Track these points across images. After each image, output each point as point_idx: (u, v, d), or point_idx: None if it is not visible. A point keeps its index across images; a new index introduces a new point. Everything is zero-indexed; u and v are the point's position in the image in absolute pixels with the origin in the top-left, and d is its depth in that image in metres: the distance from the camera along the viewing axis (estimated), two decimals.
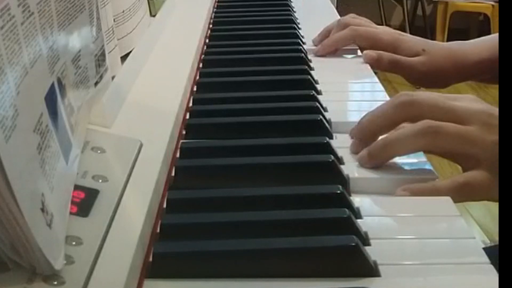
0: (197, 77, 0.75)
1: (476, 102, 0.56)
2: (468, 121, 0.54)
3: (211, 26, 0.98)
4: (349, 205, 0.47)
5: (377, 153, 0.54)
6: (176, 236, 0.44)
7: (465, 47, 0.85)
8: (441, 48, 0.85)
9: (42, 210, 0.35)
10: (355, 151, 0.57)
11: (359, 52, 0.86)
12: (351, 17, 0.89)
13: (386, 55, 0.82)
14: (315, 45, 0.88)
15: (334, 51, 0.86)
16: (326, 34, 0.89)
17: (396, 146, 0.54)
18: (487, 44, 0.84)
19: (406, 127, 0.54)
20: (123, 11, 0.72)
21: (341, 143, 0.58)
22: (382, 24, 0.99)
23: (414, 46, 0.84)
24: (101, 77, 0.56)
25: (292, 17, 1.02)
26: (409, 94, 0.56)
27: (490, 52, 0.82)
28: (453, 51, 0.85)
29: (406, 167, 0.55)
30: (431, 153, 0.56)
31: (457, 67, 0.83)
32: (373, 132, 0.56)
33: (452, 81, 0.86)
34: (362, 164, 0.55)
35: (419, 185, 0.52)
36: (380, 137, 0.56)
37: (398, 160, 0.55)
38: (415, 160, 0.55)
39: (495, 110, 0.55)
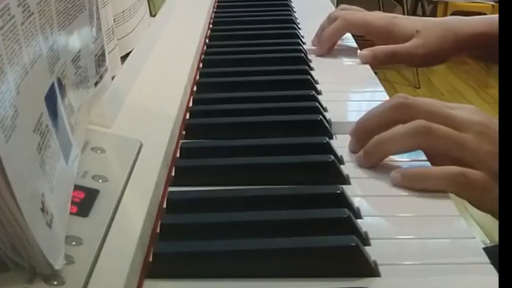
0: (197, 77, 0.75)
1: (476, 113, 0.56)
2: (464, 129, 0.54)
3: (211, 26, 0.98)
4: (349, 205, 0.47)
5: (371, 151, 0.54)
6: (176, 236, 0.44)
7: (460, 19, 0.85)
8: (435, 24, 0.84)
9: (42, 210, 0.35)
10: (352, 150, 0.57)
11: (359, 52, 0.86)
12: (340, 9, 0.88)
13: (380, 49, 0.82)
14: (314, 45, 0.88)
15: (333, 47, 0.86)
16: (321, 32, 0.89)
17: (389, 144, 0.54)
18: (483, 19, 0.83)
19: (400, 126, 0.54)
20: (123, 11, 0.72)
21: (341, 143, 0.58)
22: None
23: (407, 29, 0.83)
24: (101, 77, 0.56)
25: (292, 17, 1.02)
26: (406, 96, 0.56)
27: (486, 27, 0.82)
28: (447, 24, 0.84)
29: (406, 167, 0.55)
30: (428, 157, 0.55)
31: (452, 40, 0.83)
32: (368, 131, 0.56)
33: (448, 55, 0.85)
34: (359, 164, 0.55)
35: (412, 168, 0.52)
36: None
37: (398, 160, 0.55)
38: (415, 160, 0.55)
39: (494, 122, 0.55)
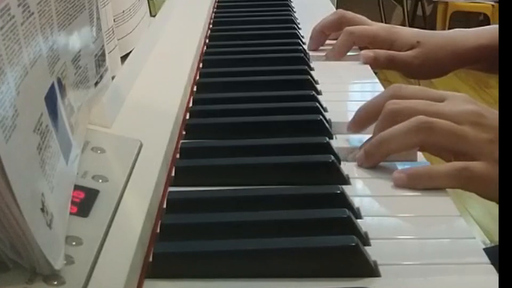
0: (197, 77, 0.75)
1: (466, 102, 0.56)
2: (459, 122, 0.53)
3: (211, 26, 0.98)
4: (349, 205, 0.47)
5: (372, 151, 0.54)
6: (176, 236, 0.44)
7: (463, 33, 0.85)
8: (436, 37, 0.85)
9: (42, 210, 0.35)
10: (348, 129, 0.59)
11: (360, 52, 0.86)
12: (338, 15, 0.87)
13: (382, 53, 0.82)
14: (310, 50, 0.88)
15: None
16: (318, 36, 0.88)
17: (391, 143, 0.54)
18: (487, 31, 0.83)
19: (400, 124, 0.54)
20: (123, 11, 0.72)
21: (341, 143, 0.58)
22: None
23: (409, 39, 0.84)
24: (101, 77, 0.56)
25: (292, 17, 1.02)
26: (399, 92, 0.56)
27: (490, 39, 0.81)
28: (450, 37, 0.84)
29: (406, 167, 0.55)
30: (426, 151, 0.55)
31: (454, 53, 0.83)
32: (364, 124, 0.58)
33: (449, 68, 0.85)
34: (360, 164, 0.55)
35: (416, 168, 0.52)
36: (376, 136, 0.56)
37: (399, 159, 0.55)
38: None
39: (486, 109, 0.55)
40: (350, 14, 0.88)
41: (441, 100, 0.56)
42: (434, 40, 0.83)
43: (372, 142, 0.55)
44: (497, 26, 0.83)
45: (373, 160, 0.54)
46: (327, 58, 0.85)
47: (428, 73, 0.86)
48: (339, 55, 0.84)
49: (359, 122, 0.60)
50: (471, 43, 0.83)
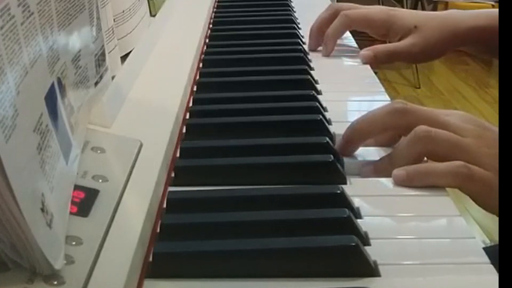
0: (197, 77, 0.75)
1: (468, 118, 0.56)
2: (462, 135, 0.54)
3: (211, 26, 0.98)
4: (349, 205, 0.47)
5: (383, 168, 0.54)
6: (176, 236, 0.44)
7: (459, 12, 0.85)
8: (434, 20, 0.84)
9: (42, 210, 0.35)
10: (341, 151, 0.57)
11: (360, 52, 0.86)
12: (337, 8, 0.88)
13: (381, 49, 0.82)
14: (311, 49, 0.88)
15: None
16: (317, 34, 0.88)
17: (397, 158, 0.54)
18: (484, 14, 0.83)
19: (401, 141, 0.54)
20: (123, 11, 0.72)
21: None
22: None
23: (406, 23, 0.84)
24: (101, 77, 0.56)
25: (292, 17, 1.02)
26: (404, 102, 0.56)
27: (488, 21, 0.81)
28: (447, 18, 0.84)
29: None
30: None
31: (451, 33, 0.83)
32: (363, 135, 0.57)
33: (447, 48, 0.85)
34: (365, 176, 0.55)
35: (415, 165, 0.52)
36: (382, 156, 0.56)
37: None
38: None
39: (488, 125, 0.55)
40: (345, 5, 0.87)
41: (446, 115, 0.56)
42: (432, 24, 0.83)
43: (382, 159, 0.55)
44: (494, 10, 0.83)
45: (383, 175, 0.54)
46: (326, 47, 0.84)
47: (428, 56, 0.86)
48: (334, 38, 0.84)
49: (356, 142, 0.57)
50: (469, 24, 0.82)
